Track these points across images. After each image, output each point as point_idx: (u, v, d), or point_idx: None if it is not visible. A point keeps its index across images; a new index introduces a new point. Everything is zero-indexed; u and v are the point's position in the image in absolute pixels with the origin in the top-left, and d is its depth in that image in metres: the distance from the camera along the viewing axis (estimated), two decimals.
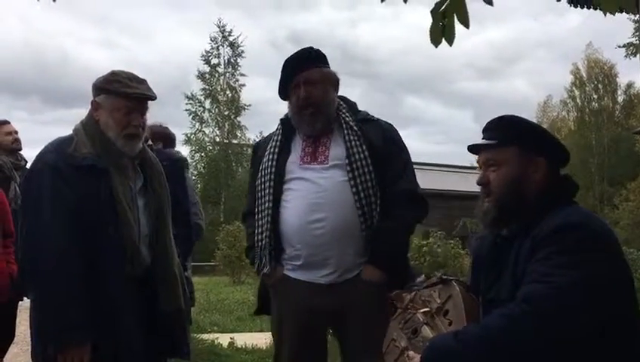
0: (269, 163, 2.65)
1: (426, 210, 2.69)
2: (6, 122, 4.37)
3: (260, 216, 2.64)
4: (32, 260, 2.26)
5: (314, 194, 2.54)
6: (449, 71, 60.66)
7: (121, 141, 2.35)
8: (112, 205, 2.28)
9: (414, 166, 2.74)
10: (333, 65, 2.71)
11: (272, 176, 2.62)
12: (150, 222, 2.45)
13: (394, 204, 2.55)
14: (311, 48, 2.67)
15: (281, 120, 2.76)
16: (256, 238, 2.65)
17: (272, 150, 2.68)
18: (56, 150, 2.32)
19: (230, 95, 33.86)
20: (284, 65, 2.65)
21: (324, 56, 2.68)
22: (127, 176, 2.40)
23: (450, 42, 1.60)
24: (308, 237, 2.51)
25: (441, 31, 1.60)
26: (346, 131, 2.60)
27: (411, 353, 1.84)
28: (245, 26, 64.37)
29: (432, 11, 1.60)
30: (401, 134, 2.75)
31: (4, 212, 3.70)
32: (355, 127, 2.60)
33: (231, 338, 7.30)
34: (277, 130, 2.75)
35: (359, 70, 58.10)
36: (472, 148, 1.92)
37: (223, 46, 34.01)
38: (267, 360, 6.28)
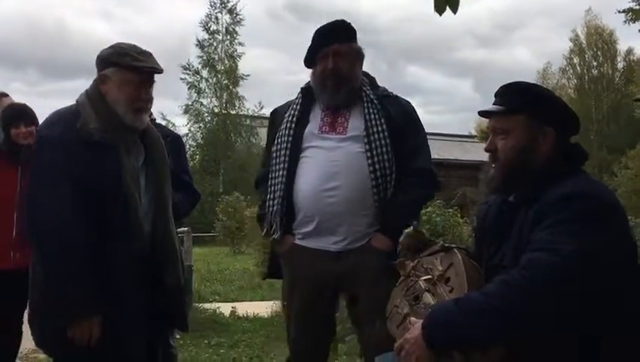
0: (286, 131, 2.69)
1: (438, 188, 2.79)
2: (5, 95, 4.33)
3: (272, 182, 2.68)
4: (35, 233, 2.26)
5: (330, 162, 2.58)
6: (449, 39, 60.34)
7: (130, 115, 2.32)
8: (119, 183, 2.26)
9: None
10: None
11: (289, 145, 2.65)
12: (151, 199, 2.43)
13: (408, 179, 2.62)
14: (344, 21, 2.69)
15: (302, 89, 2.79)
16: (267, 204, 2.68)
17: (290, 118, 2.72)
18: (64, 123, 2.28)
19: (228, 64, 33.57)
20: (315, 34, 2.67)
21: (355, 31, 2.70)
22: (132, 153, 2.37)
23: (455, 10, 1.60)
24: (321, 204, 2.56)
25: None
26: (366, 105, 2.64)
27: (413, 319, 1.85)
28: None
29: None
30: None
31: None
32: (375, 101, 2.66)
33: (232, 307, 7.39)
34: (296, 98, 2.78)
35: (361, 39, 56.84)
36: (482, 113, 1.90)
37: (222, 13, 33.67)
38: (268, 328, 6.37)
